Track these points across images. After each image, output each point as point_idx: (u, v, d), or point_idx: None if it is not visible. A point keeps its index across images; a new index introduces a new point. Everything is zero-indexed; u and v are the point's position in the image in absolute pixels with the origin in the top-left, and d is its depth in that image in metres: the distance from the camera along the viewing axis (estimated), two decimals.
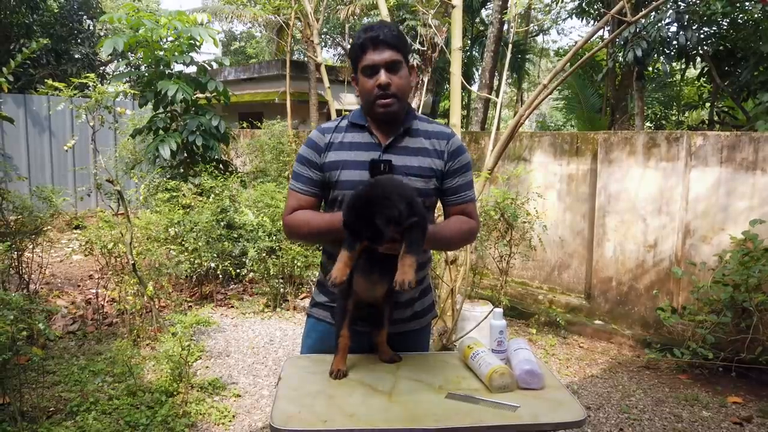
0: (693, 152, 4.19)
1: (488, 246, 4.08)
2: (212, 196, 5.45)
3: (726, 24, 7.64)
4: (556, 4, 12.82)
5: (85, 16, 13.58)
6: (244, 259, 5.21)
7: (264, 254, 5.07)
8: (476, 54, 16.27)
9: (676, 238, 4.26)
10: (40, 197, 4.77)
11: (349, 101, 11.07)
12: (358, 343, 1.67)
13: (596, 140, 4.72)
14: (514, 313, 5.00)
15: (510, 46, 4.69)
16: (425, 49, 10.35)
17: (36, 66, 11.82)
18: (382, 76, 1.65)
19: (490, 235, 4.01)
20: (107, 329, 4.40)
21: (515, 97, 21.10)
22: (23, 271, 4.56)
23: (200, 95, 6.26)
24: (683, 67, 9.32)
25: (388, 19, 4.20)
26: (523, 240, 4.16)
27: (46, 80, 4.96)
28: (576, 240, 4.95)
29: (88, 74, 4.44)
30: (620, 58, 8.32)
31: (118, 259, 4.54)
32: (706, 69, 8.21)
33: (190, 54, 6.12)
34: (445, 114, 16.33)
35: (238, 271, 5.24)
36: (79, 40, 13.03)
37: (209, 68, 6.51)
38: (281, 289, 5.19)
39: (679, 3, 7.55)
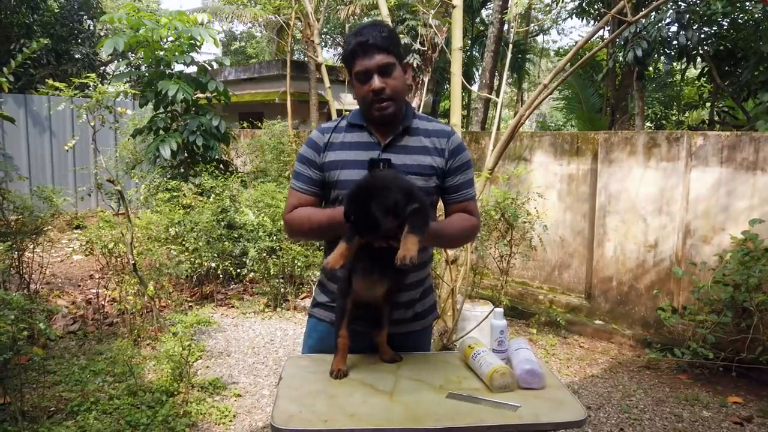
0: (693, 152, 4.19)
1: (489, 246, 4.08)
2: (213, 196, 5.45)
3: (726, 24, 7.63)
4: (557, 4, 12.83)
5: (85, 16, 13.58)
6: (244, 259, 5.21)
7: (264, 254, 5.07)
8: (476, 54, 16.27)
9: (677, 238, 4.26)
10: (40, 197, 4.77)
11: (350, 101, 11.07)
12: (358, 343, 1.67)
13: (597, 140, 4.72)
14: (515, 313, 5.00)
15: (510, 46, 4.70)
16: (425, 49, 10.35)
17: (36, 66, 11.82)
18: (376, 82, 1.65)
19: (490, 235, 4.01)
20: (108, 329, 4.40)
21: (515, 97, 21.10)
22: (24, 271, 4.56)
23: (201, 95, 6.26)
24: (683, 67, 9.32)
25: (389, 19, 4.20)
26: (524, 240, 4.16)
27: (46, 80, 4.96)
28: (576, 240, 4.95)
29: (88, 74, 4.44)
30: (620, 58, 8.32)
31: (119, 259, 4.54)
32: (706, 69, 8.21)
33: (191, 54, 6.12)
34: (446, 114, 16.32)
35: (238, 271, 5.24)
36: (79, 40, 13.02)
37: (209, 68, 6.51)
38: (282, 289, 5.19)
39: (680, 3, 7.55)
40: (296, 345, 4.26)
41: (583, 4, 10.92)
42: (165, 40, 6.05)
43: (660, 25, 7.39)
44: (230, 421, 3.15)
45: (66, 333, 4.29)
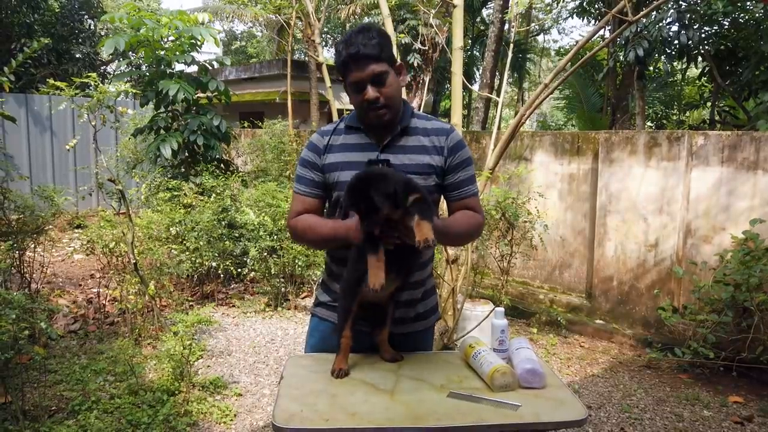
0: (694, 152, 4.19)
1: (489, 245, 4.08)
2: (213, 195, 5.45)
3: (727, 23, 7.63)
4: (557, 3, 12.83)
5: (86, 16, 13.58)
6: (245, 259, 5.22)
7: (265, 253, 5.08)
8: (477, 53, 16.28)
9: (677, 237, 4.26)
10: (41, 196, 4.77)
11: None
12: (359, 342, 1.68)
13: (597, 140, 4.72)
14: (515, 312, 5.01)
15: (511, 45, 4.70)
16: (426, 48, 10.36)
17: (37, 65, 11.82)
18: (369, 92, 1.65)
19: (491, 234, 4.01)
20: (109, 328, 4.41)
21: (516, 97, 21.10)
22: (25, 270, 4.56)
23: (201, 95, 6.26)
24: (684, 66, 9.32)
25: (389, 19, 4.19)
26: (524, 239, 4.16)
27: (47, 80, 4.96)
28: (577, 239, 4.95)
29: (89, 74, 4.44)
30: (621, 58, 8.32)
31: (120, 259, 4.55)
32: (707, 68, 8.20)
33: (191, 53, 6.12)
34: (446, 113, 16.33)
35: (239, 270, 5.25)
36: (80, 40, 13.02)
37: (210, 68, 6.51)
38: (282, 289, 5.19)
39: (681, 2, 7.54)
40: (297, 344, 4.27)
41: (584, 3, 10.91)
42: (166, 40, 6.05)
43: (661, 24, 7.39)
44: (231, 420, 3.16)
45: (67, 332, 4.29)
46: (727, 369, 3.74)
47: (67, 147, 5.12)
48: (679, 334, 4.06)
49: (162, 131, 6.08)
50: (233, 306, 5.14)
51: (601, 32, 11.45)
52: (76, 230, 7.86)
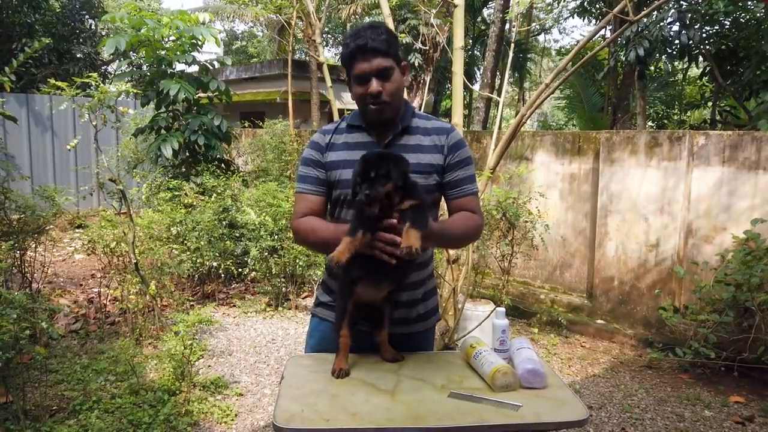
0: (695, 152, 4.18)
1: (490, 245, 4.08)
2: (214, 195, 5.45)
3: (728, 23, 7.63)
4: (558, 3, 12.82)
5: (87, 16, 13.59)
6: (246, 259, 5.22)
7: (266, 253, 5.08)
8: (478, 53, 16.28)
9: (678, 237, 4.25)
10: (42, 196, 4.77)
11: (351, 100, 11.06)
12: (360, 342, 1.68)
13: (598, 139, 4.71)
14: (516, 312, 5.00)
15: (512, 45, 4.70)
16: (427, 48, 10.35)
17: (38, 65, 11.82)
18: (373, 85, 1.66)
19: (492, 234, 4.01)
20: (110, 328, 4.41)
21: (517, 97, 21.10)
22: (26, 270, 4.57)
23: (202, 94, 6.26)
24: (685, 66, 9.32)
25: (390, 19, 4.19)
26: (525, 239, 4.16)
27: (48, 79, 4.96)
28: (578, 239, 4.94)
29: (90, 74, 4.44)
30: (622, 58, 8.32)
31: (121, 258, 4.55)
32: (708, 68, 8.21)
33: (192, 53, 6.12)
34: (447, 113, 16.32)
35: (240, 270, 5.25)
36: (81, 40, 13.02)
37: (211, 68, 6.51)
38: (283, 289, 5.19)
39: (681, 2, 7.54)
40: (298, 344, 4.27)
41: (585, 3, 10.91)
42: (166, 40, 6.05)
43: (662, 24, 7.39)
44: (232, 420, 3.16)
45: (68, 332, 4.30)
46: (729, 369, 3.74)
47: (68, 147, 5.12)
48: (680, 334, 4.06)
49: (163, 131, 6.08)
50: (234, 306, 5.14)
51: (602, 32, 11.44)
52: (77, 230, 7.87)
